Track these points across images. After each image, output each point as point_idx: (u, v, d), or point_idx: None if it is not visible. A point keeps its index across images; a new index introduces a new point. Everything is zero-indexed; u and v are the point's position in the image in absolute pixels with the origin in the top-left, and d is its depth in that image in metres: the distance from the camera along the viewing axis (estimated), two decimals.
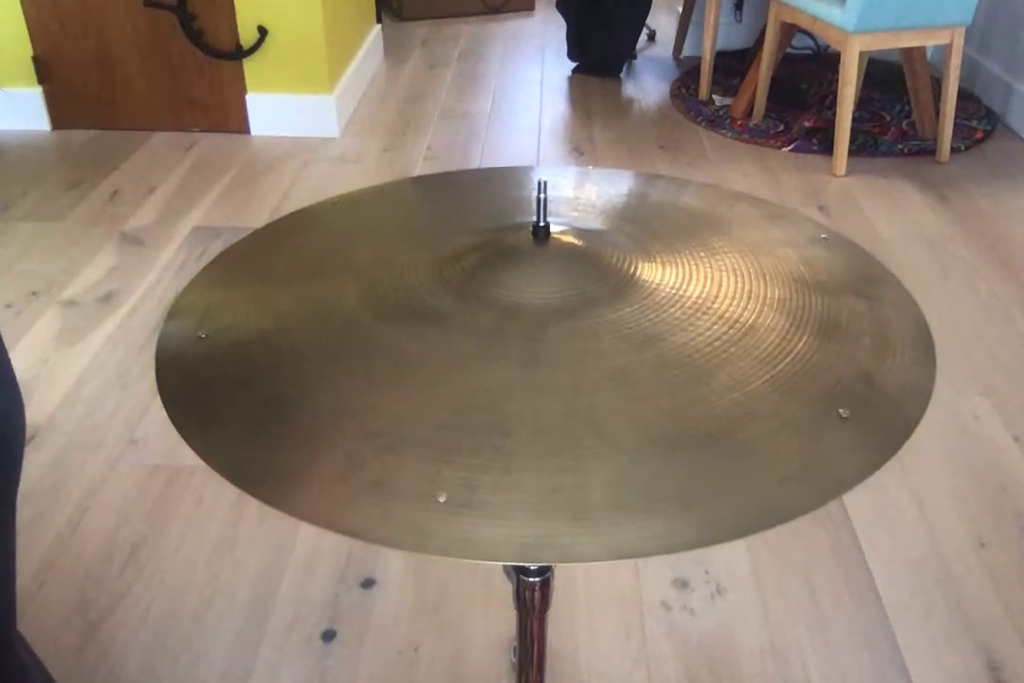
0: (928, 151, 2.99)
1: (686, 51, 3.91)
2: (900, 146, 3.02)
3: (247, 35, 2.98)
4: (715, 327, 0.71)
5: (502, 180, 0.99)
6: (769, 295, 0.76)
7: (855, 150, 2.95)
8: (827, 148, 2.99)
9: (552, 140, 3.14)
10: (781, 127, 3.17)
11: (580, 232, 0.83)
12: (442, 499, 0.58)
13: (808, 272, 0.80)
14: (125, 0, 2.94)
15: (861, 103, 3.27)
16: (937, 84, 3.02)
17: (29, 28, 2.98)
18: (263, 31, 2.97)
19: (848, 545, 1.56)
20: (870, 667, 1.36)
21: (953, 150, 2.96)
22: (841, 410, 0.64)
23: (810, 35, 3.66)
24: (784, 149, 3.04)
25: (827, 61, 3.69)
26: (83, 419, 1.83)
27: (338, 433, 0.63)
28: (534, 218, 0.79)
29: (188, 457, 1.72)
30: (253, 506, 1.63)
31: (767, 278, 0.78)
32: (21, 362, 1.99)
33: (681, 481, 0.59)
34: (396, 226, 0.90)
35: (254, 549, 1.55)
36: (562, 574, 1.49)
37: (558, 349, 0.69)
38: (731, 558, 1.54)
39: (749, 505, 0.57)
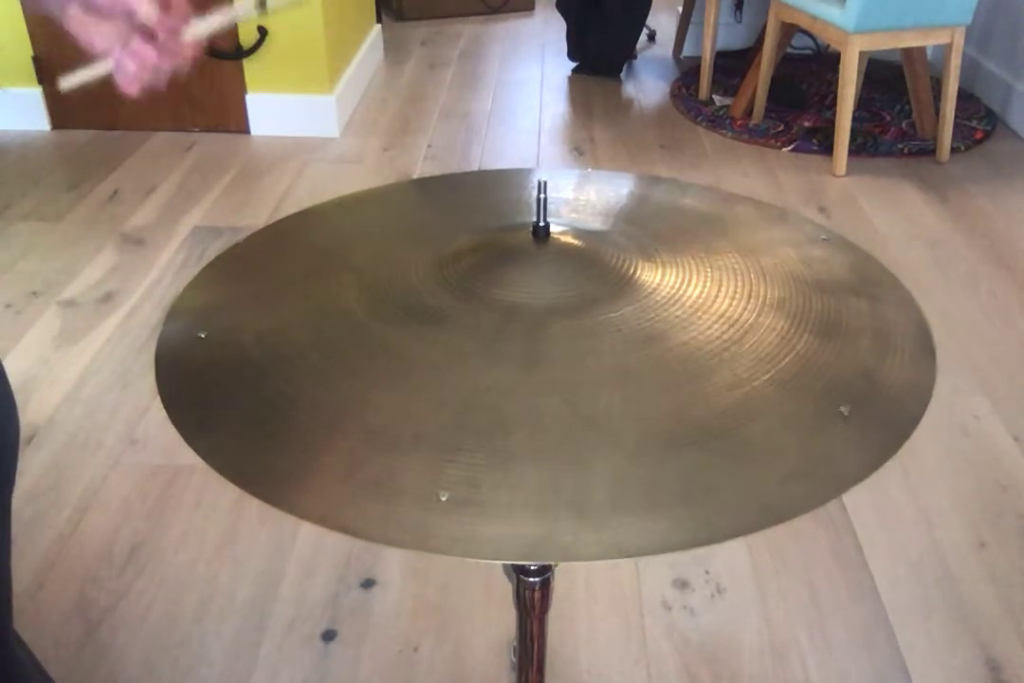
0: (928, 151, 2.99)
1: (686, 51, 3.92)
2: (900, 146, 3.02)
3: (247, 35, 2.98)
4: (715, 326, 0.71)
5: (502, 181, 0.99)
6: (769, 295, 0.76)
7: (855, 150, 2.95)
8: (827, 148, 2.99)
9: (552, 140, 3.14)
10: (781, 127, 3.17)
11: (580, 232, 0.83)
12: (443, 498, 0.58)
13: (808, 272, 0.80)
14: None
15: (861, 103, 3.27)
16: (937, 84, 3.01)
17: (29, 28, 2.98)
18: (263, 31, 2.96)
19: (848, 545, 1.56)
20: (870, 667, 1.36)
21: (953, 150, 2.96)
22: (842, 408, 0.64)
23: (810, 35, 3.66)
24: (784, 149, 3.04)
25: (827, 61, 3.69)
26: (83, 419, 1.83)
27: (338, 433, 0.63)
28: (534, 218, 0.79)
29: (188, 457, 1.72)
30: (253, 506, 1.63)
31: (767, 278, 0.78)
32: (21, 362, 1.99)
33: (682, 480, 0.59)
34: (396, 227, 0.90)
35: (254, 549, 1.55)
36: (562, 574, 1.49)
37: (558, 349, 0.69)
38: (731, 558, 1.54)
39: (749, 504, 0.57)
